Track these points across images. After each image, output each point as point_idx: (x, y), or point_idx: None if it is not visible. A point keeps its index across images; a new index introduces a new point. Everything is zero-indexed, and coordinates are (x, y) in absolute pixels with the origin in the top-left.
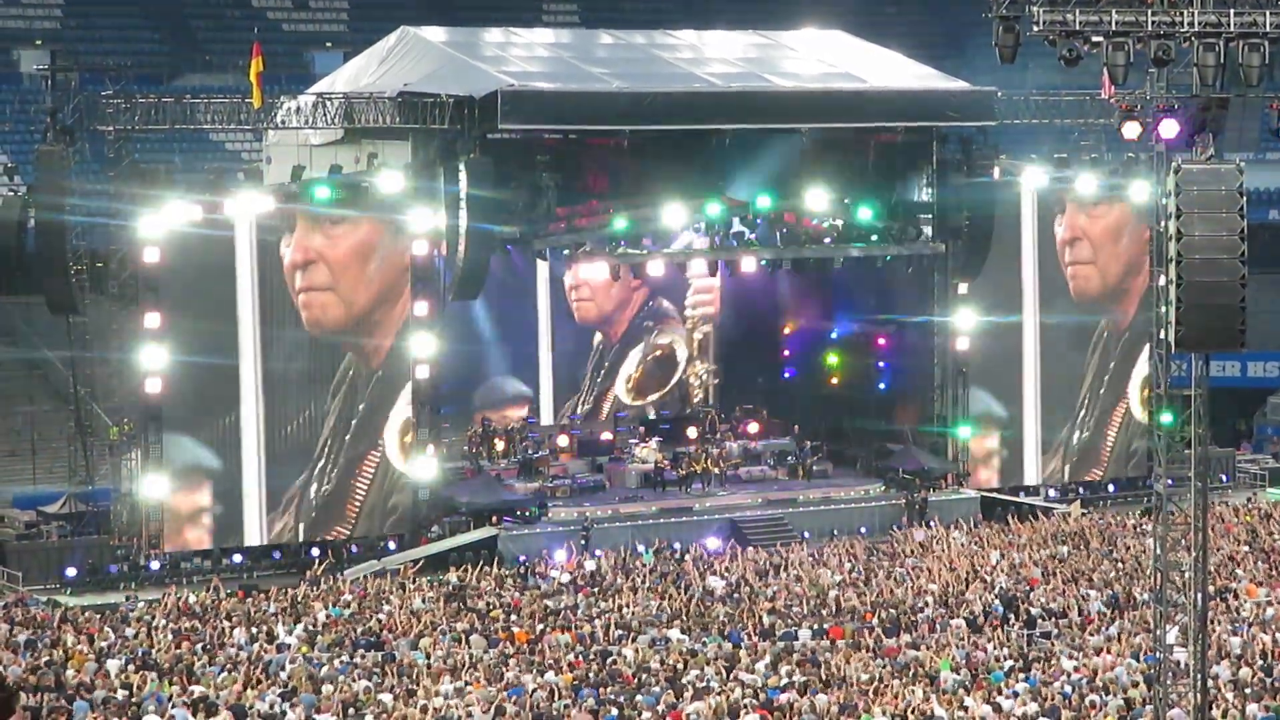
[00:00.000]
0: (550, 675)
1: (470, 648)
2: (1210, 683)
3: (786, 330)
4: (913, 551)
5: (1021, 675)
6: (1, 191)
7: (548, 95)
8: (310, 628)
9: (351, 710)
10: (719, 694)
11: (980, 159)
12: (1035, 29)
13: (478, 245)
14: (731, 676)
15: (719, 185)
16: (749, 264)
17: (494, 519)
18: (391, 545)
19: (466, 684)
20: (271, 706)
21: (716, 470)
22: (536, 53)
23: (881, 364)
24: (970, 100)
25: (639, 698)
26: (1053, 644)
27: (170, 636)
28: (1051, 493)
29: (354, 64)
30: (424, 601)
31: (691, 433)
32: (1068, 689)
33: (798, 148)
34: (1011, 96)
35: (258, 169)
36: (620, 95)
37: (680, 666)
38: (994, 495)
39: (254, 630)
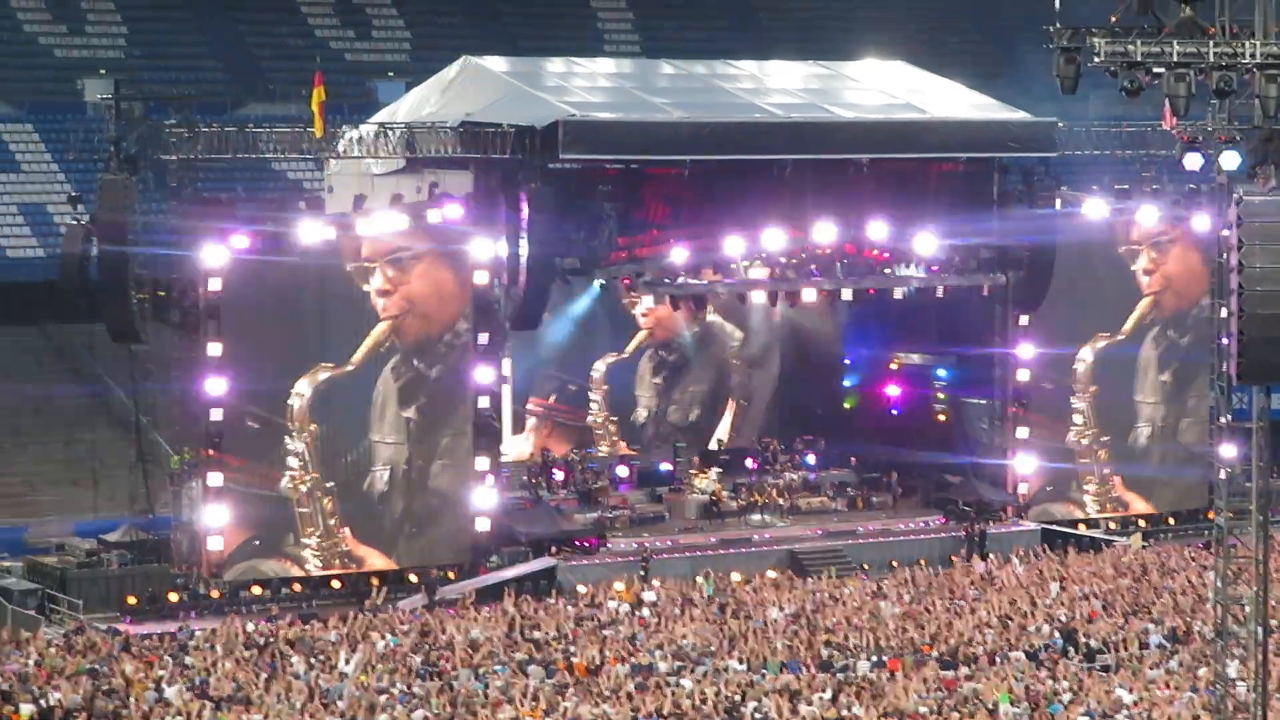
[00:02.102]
0: (608, 706)
1: (529, 678)
2: (1270, 716)
3: (846, 361)
4: (972, 583)
5: (1080, 710)
6: (66, 221)
7: (609, 125)
8: (368, 656)
9: None
10: None
11: (1041, 190)
12: (1096, 60)
13: (538, 274)
14: (791, 708)
15: (780, 215)
16: (809, 294)
17: (553, 549)
18: (450, 575)
19: (525, 714)
20: None
21: (777, 501)
22: (598, 83)
23: (942, 395)
24: (1031, 131)
25: None
26: (1112, 677)
27: (229, 665)
28: (1112, 525)
29: (416, 93)
30: (482, 631)
31: (750, 463)
32: None
33: (859, 178)
34: (1073, 127)
35: (319, 198)
36: (681, 125)
37: (738, 698)
38: (1054, 527)
39: (312, 659)
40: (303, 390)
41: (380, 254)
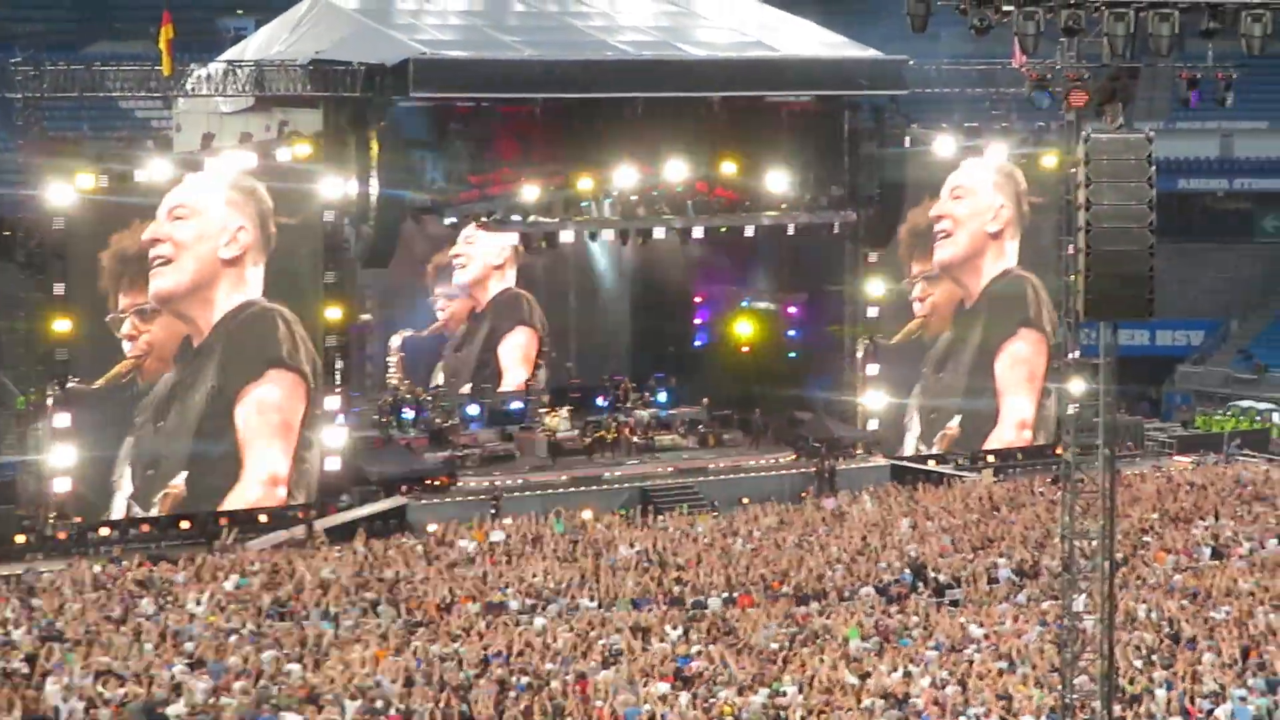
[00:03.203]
0: (459, 645)
1: (379, 617)
2: (1117, 650)
3: (698, 299)
4: (823, 520)
5: (929, 643)
6: None
7: (460, 63)
8: (218, 597)
9: (259, 679)
10: (629, 662)
11: (891, 128)
12: None
13: (388, 213)
14: (643, 645)
15: (631, 154)
16: (660, 233)
17: (404, 488)
18: (300, 515)
19: (376, 654)
20: (178, 676)
21: (629, 438)
22: (449, 20)
23: (792, 333)
24: (881, 69)
25: (548, 666)
26: (961, 611)
27: (77, 607)
28: (961, 461)
29: (265, 31)
30: (333, 571)
31: (601, 401)
32: (976, 655)
33: (709, 116)
34: (923, 65)
35: (168, 137)
36: (532, 63)
37: (590, 634)
38: (904, 463)
39: (161, 600)
40: None
41: None
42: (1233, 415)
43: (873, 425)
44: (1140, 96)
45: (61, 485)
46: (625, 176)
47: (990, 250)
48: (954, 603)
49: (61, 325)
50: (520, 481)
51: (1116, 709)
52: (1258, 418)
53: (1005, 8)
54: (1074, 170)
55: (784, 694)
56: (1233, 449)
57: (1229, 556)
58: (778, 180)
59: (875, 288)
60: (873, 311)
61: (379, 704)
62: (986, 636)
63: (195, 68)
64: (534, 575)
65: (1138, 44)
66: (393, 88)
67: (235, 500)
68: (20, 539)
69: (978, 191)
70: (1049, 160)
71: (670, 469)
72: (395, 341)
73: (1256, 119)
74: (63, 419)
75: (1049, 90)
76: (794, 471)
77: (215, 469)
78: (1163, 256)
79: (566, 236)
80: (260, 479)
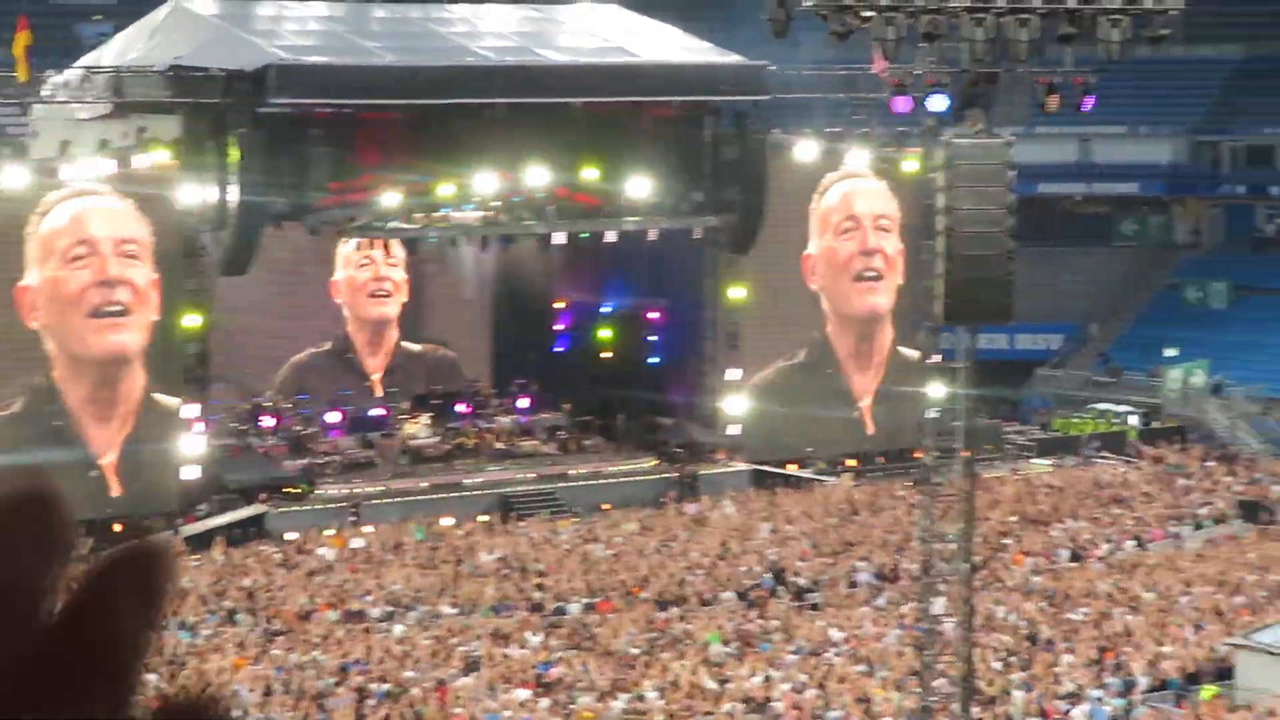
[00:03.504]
0: (318, 653)
1: (237, 626)
2: (976, 652)
3: (559, 305)
4: (684, 525)
5: (790, 647)
6: None
7: (320, 69)
8: None
9: None
10: (489, 668)
11: (753, 133)
12: (807, 3)
13: (248, 220)
14: (502, 651)
15: (493, 160)
16: (521, 239)
17: (262, 496)
18: (158, 523)
19: (234, 663)
20: None
21: (490, 444)
22: (309, 26)
23: (654, 338)
24: (743, 74)
25: (407, 674)
26: (821, 615)
27: None
28: (822, 465)
29: (123, 37)
30: (190, 580)
31: (462, 408)
32: (836, 659)
33: (571, 122)
34: (784, 71)
35: (24, 144)
36: (393, 69)
37: (450, 642)
38: (764, 468)
39: None
40: None
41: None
42: (1091, 418)
43: (733, 430)
44: (1000, 101)
45: None
46: (486, 182)
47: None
48: (814, 606)
49: None
50: (380, 488)
51: (975, 710)
52: (1115, 420)
53: (865, 14)
54: (934, 175)
55: (644, 699)
56: (1091, 451)
57: (1087, 559)
58: (639, 186)
59: (737, 293)
60: (734, 316)
61: (237, 713)
62: (847, 640)
63: (52, 74)
64: (394, 583)
65: (997, 49)
66: (252, 94)
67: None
68: None
69: (893, 215)
70: (910, 165)
71: (531, 475)
72: (299, 357)
73: (1115, 124)
74: None
75: (909, 95)
76: (655, 477)
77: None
78: (1022, 261)
79: (428, 243)
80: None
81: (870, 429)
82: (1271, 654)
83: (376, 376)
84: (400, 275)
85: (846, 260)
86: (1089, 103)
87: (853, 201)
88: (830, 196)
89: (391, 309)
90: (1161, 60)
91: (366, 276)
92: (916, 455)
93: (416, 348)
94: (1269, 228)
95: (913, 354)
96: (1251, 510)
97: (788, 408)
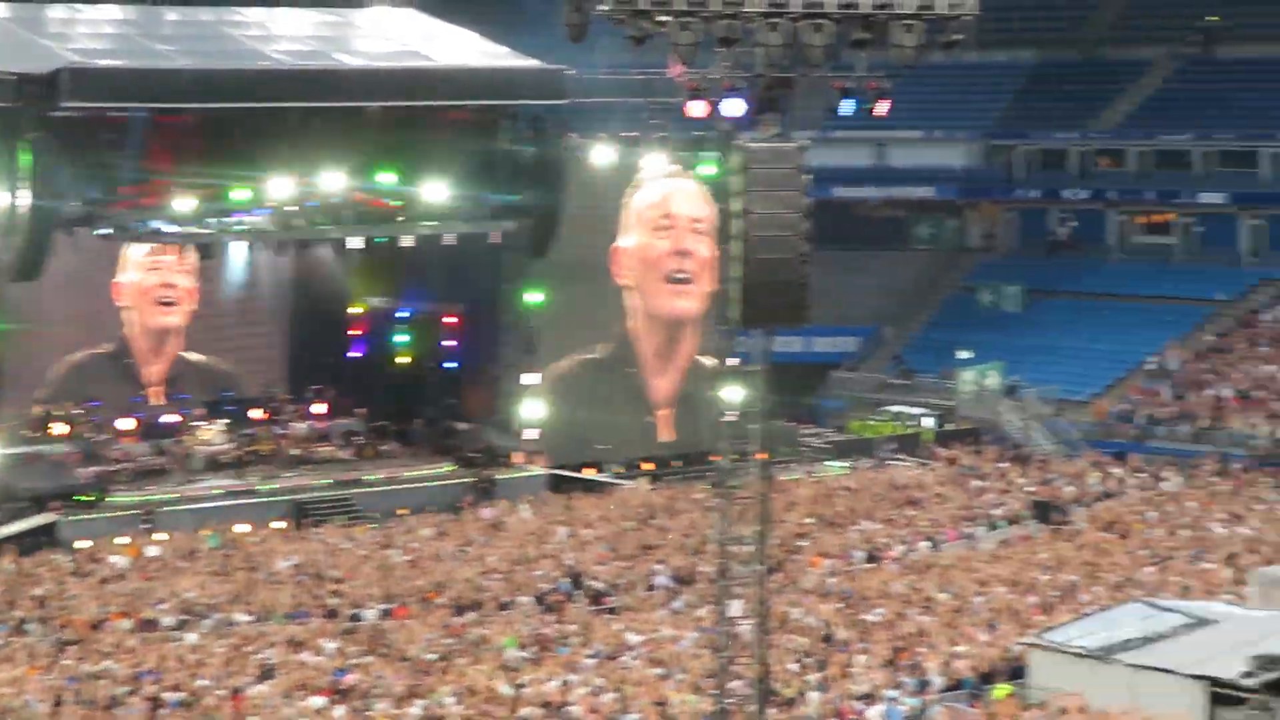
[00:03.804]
0: (110, 662)
1: (28, 635)
2: (772, 654)
3: (355, 310)
4: (480, 530)
5: (587, 651)
6: None
7: (112, 72)
8: None
9: None
10: (284, 676)
11: (550, 137)
12: (603, 8)
13: (39, 225)
14: (297, 658)
15: (288, 164)
16: (318, 243)
17: (54, 504)
18: None
19: (25, 673)
20: None
21: (285, 450)
22: (102, 29)
23: (451, 343)
24: (540, 79)
25: (201, 682)
26: (619, 618)
27: None
28: (619, 469)
29: None
30: None
31: (256, 413)
32: (633, 662)
33: (366, 126)
34: (582, 75)
35: None
36: (186, 73)
37: (244, 649)
38: (561, 473)
39: None
40: None
41: None
42: (886, 420)
43: (530, 435)
44: (795, 106)
45: None
46: (281, 187)
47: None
48: (611, 610)
49: None
50: (174, 495)
51: (771, 712)
52: (910, 423)
53: (661, 18)
54: (729, 179)
55: (441, 705)
56: (886, 454)
57: (882, 560)
58: (436, 190)
59: (534, 297)
60: (531, 321)
61: None
62: (644, 643)
63: None
64: (188, 590)
65: (793, 54)
66: (44, 97)
67: None
68: None
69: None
70: (706, 170)
71: (327, 481)
72: (74, 357)
73: (910, 128)
74: None
75: (706, 99)
76: (452, 482)
77: None
78: (817, 264)
79: (222, 248)
80: None
81: (666, 435)
82: (1064, 653)
83: (154, 385)
84: (189, 282)
85: (659, 258)
86: (884, 107)
87: (671, 200)
88: (648, 193)
89: (176, 318)
90: (956, 65)
91: (154, 282)
92: (713, 458)
93: (197, 358)
94: (1062, 231)
95: (710, 362)
96: (1044, 511)
97: (584, 404)
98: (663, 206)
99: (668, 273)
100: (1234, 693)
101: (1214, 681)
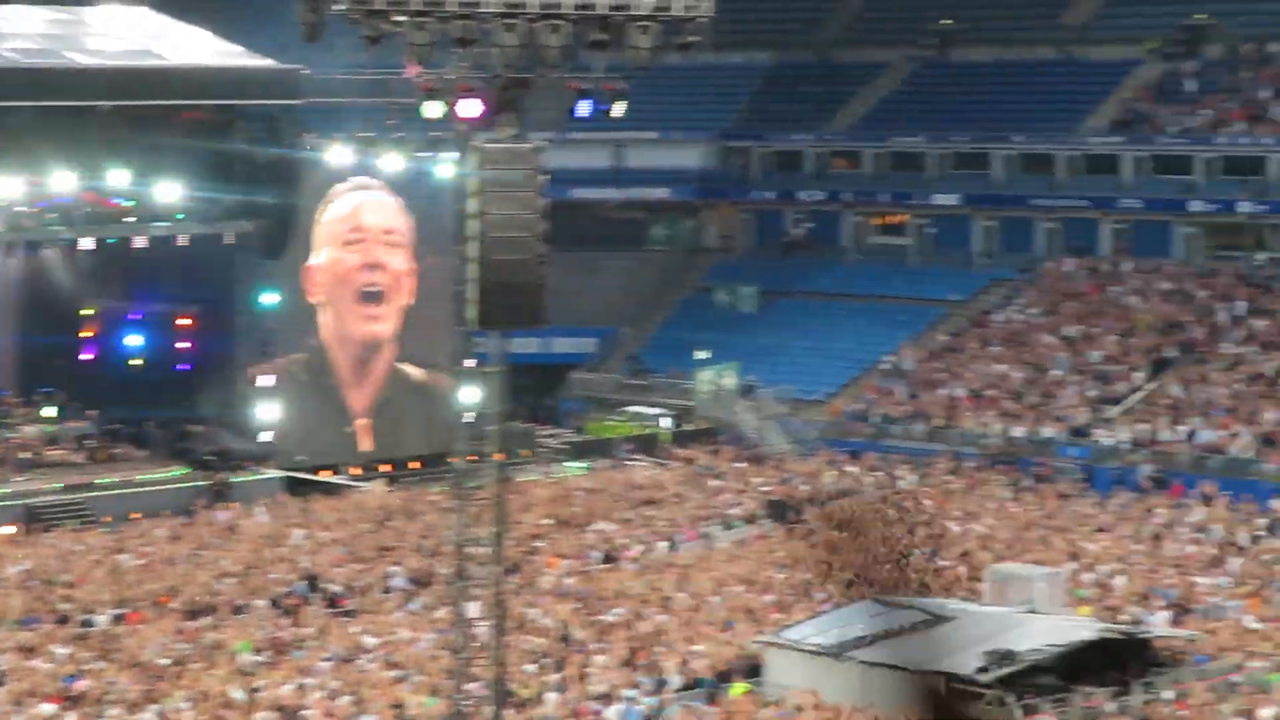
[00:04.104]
0: None
1: None
2: (510, 655)
3: (87, 312)
4: (215, 533)
5: (323, 654)
6: None
7: None
8: None
9: None
10: (14, 683)
11: (286, 137)
12: (338, 7)
13: None
14: (28, 664)
15: (17, 164)
16: (48, 244)
17: None
18: None
19: None
20: None
21: (15, 454)
22: None
23: (185, 344)
24: (275, 78)
25: None
26: (355, 620)
27: None
28: (357, 471)
29: None
30: None
31: None
32: (370, 665)
33: (99, 125)
34: (318, 75)
35: None
36: None
37: None
38: (298, 475)
39: None
40: None
41: None
42: (624, 421)
43: (265, 437)
44: (533, 107)
45: None
46: (10, 187)
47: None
48: (348, 613)
49: None
50: None
51: (509, 713)
52: (648, 423)
53: (397, 18)
54: (466, 181)
55: (176, 710)
56: (624, 454)
57: (620, 560)
58: (169, 190)
59: (270, 299)
60: (268, 322)
61: None
62: (381, 645)
63: None
64: None
65: (530, 55)
66: None
67: None
68: None
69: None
70: (443, 170)
71: (59, 485)
72: None
73: (647, 130)
74: None
75: (442, 100)
76: (186, 485)
77: None
78: (555, 265)
79: None
80: None
81: (366, 444)
82: (799, 651)
83: None
84: None
85: (348, 273)
86: (621, 108)
87: (361, 213)
88: (339, 206)
89: None
90: (692, 67)
91: None
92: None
93: None
94: (797, 232)
95: (415, 371)
96: (780, 510)
97: (296, 405)
98: (352, 219)
99: (358, 288)
100: (969, 688)
101: (949, 677)
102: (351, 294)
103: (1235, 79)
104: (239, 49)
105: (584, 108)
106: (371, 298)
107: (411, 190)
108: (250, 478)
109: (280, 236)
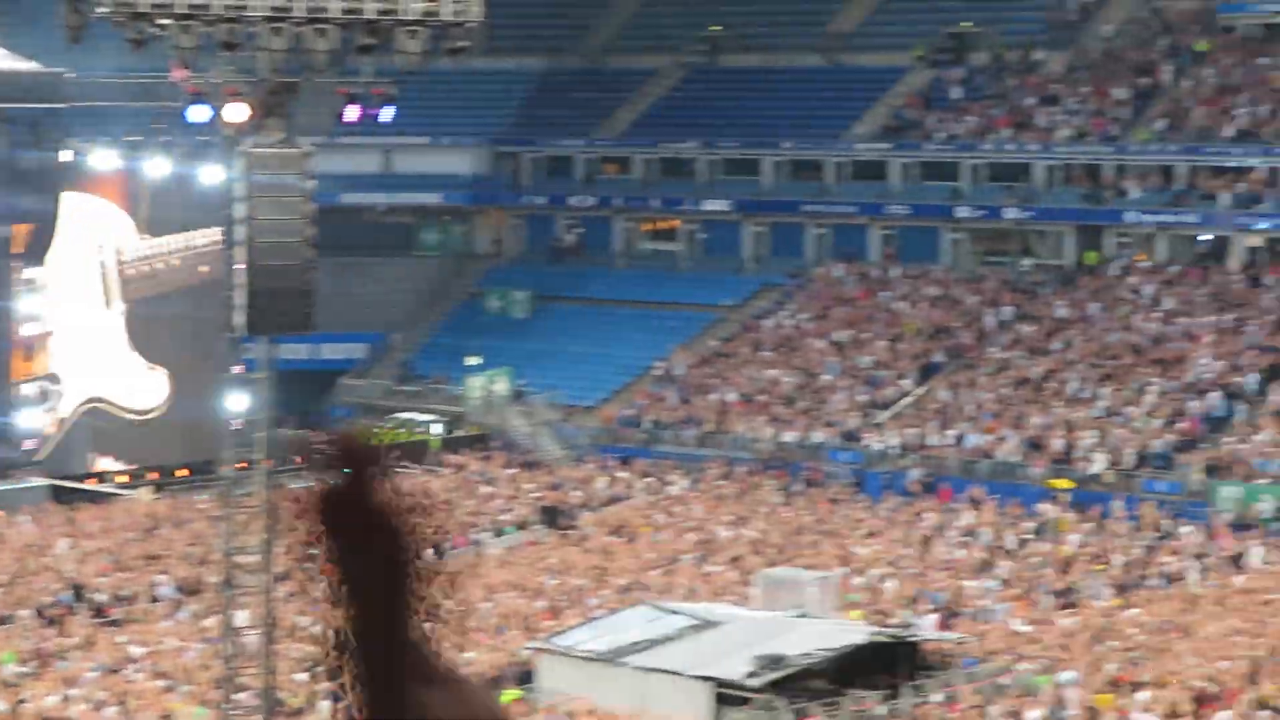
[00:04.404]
0: None
1: None
2: (281, 664)
3: None
4: None
5: (89, 664)
6: None
7: None
8: None
9: None
10: None
11: (50, 141)
12: (102, 10)
13: None
14: None
15: None
16: None
17: None
18: None
19: None
20: None
21: None
22: None
23: None
24: (39, 81)
25: None
26: (122, 630)
27: None
28: (123, 479)
29: None
30: None
31: None
32: (137, 675)
33: None
34: (84, 78)
35: None
36: None
37: None
38: (64, 483)
39: None
40: None
41: None
42: (394, 427)
43: (29, 445)
44: (302, 111)
45: None
46: None
47: None
48: (115, 622)
49: None
50: None
51: None
52: (418, 429)
53: (162, 21)
54: (233, 185)
55: None
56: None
57: None
58: None
59: (34, 305)
60: (33, 328)
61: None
62: (148, 655)
63: None
64: None
65: (297, 59)
66: None
67: None
68: None
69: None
70: (211, 175)
71: None
72: None
73: (418, 134)
74: None
75: (209, 104)
76: None
77: None
78: (325, 271)
79: None
80: None
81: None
82: (572, 656)
83: None
84: None
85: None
86: (389, 113)
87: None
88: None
89: None
90: (463, 72)
91: None
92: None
93: None
94: (568, 238)
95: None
96: (552, 515)
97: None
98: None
99: None
100: (739, 692)
101: (719, 682)
102: None
103: (1001, 86)
104: (1, 51)
105: (352, 112)
106: None
107: (178, 195)
108: (14, 486)
109: (44, 241)
